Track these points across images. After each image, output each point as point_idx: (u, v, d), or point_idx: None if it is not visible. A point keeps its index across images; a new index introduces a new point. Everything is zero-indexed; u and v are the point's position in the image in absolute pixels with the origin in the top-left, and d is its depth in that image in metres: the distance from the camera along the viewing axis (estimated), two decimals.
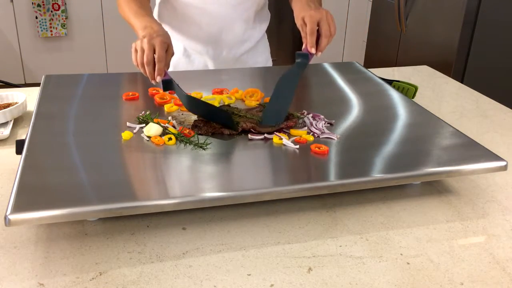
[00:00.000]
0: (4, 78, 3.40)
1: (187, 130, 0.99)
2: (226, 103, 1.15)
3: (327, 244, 0.81)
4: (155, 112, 1.08)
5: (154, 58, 1.03)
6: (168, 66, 1.05)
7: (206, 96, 1.18)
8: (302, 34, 1.11)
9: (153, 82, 1.04)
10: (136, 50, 1.04)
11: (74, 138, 0.96)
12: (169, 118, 1.05)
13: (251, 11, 1.39)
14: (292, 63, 1.15)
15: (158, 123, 0.99)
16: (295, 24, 1.17)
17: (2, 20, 3.63)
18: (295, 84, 1.08)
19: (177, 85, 1.04)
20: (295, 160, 0.93)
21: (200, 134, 0.99)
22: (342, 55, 4.35)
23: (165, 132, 0.98)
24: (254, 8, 1.39)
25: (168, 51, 1.06)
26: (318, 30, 1.09)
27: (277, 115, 1.04)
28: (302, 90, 1.30)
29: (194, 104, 1.05)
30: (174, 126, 1.01)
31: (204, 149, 0.94)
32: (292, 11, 1.22)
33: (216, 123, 1.02)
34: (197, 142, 0.95)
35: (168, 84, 1.05)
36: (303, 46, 1.11)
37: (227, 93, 1.20)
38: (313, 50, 1.09)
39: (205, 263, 0.76)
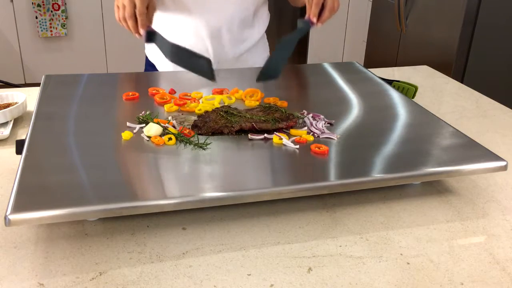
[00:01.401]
0: (4, 78, 3.40)
1: (187, 130, 0.99)
2: (226, 103, 1.15)
3: (327, 244, 0.81)
4: (155, 112, 1.08)
5: (135, 13, 1.09)
6: (150, 21, 1.13)
7: (206, 96, 1.18)
8: (307, 6, 1.16)
9: (136, 35, 1.11)
10: (118, 7, 1.11)
11: (74, 138, 0.96)
12: (169, 118, 1.05)
13: (251, 10, 1.39)
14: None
15: (158, 123, 0.99)
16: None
17: (2, 20, 3.63)
18: (292, 47, 1.15)
19: (160, 35, 1.11)
20: (295, 160, 0.93)
21: (200, 134, 0.99)
22: (342, 55, 4.35)
23: (165, 132, 0.98)
24: (253, 6, 1.39)
25: (150, 6, 1.12)
26: (323, 4, 1.15)
27: (273, 73, 1.14)
28: (302, 90, 1.30)
29: (177, 53, 1.11)
30: (174, 126, 1.01)
31: (204, 149, 0.94)
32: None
33: (195, 72, 1.11)
34: (197, 142, 0.95)
35: (151, 35, 1.12)
36: (306, 16, 1.16)
37: (227, 93, 1.20)
38: (314, 20, 1.14)
39: (205, 263, 0.76)
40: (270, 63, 1.15)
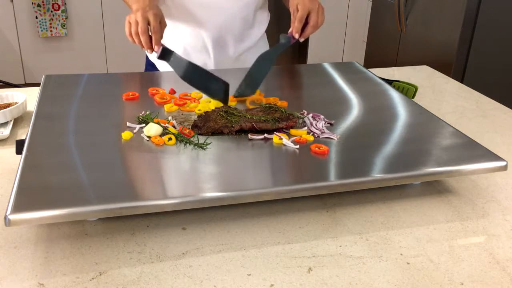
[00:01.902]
0: (4, 78, 3.40)
1: (187, 130, 0.99)
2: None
3: (327, 244, 0.81)
4: (155, 112, 1.08)
5: (148, 30, 1.09)
6: (161, 37, 1.12)
7: (206, 97, 1.18)
8: (292, 19, 1.19)
9: (148, 51, 1.11)
10: (129, 23, 1.11)
11: (74, 138, 0.96)
12: (169, 118, 1.05)
13: (251, 9, 1.39)
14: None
15: (158, 123, 0.99)
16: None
17: (2, 20, 3.63)
18: (272, 62, 1.17)
19: (175, 52, 1.12)
20: (295, 160, 0.93)
21: (200, 134, 0.99)
22: (342, 55, 4.35)
23: (165, 132, 0.98)
24: (253, 6, 1.39)
25: (162, 23, 1.13)
26: (307, 19, 1.17)
27: (250, 88, 1.14)
28: (302, 90, 1.30)
29: (192, 72, 1.11)
30: (174, 126, 1.01)
31: (204, 149, 0.94)
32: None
33: (208, 94, 1.11)
34: (197, 142, 0.95)
35: (166, 52, 1.11)
36: (290, 30, 1.19)
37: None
38: (296, 36, 1.17)
39: (205, 263, 0.76)
40: (248, 78, 1.15)
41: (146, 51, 1.16)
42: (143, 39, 1.10)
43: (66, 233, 0.81)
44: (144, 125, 1.00)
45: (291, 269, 0.76)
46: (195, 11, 1.35)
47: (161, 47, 1.11)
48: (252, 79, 1.15)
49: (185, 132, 0.98)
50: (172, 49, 1.13)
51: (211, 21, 1.36)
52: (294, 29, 1.17)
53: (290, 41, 1.18)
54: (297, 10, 1.17)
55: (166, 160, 0.91)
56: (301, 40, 1.18)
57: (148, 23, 1.09)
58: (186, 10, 1.36)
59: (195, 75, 1.11)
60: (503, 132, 1.25)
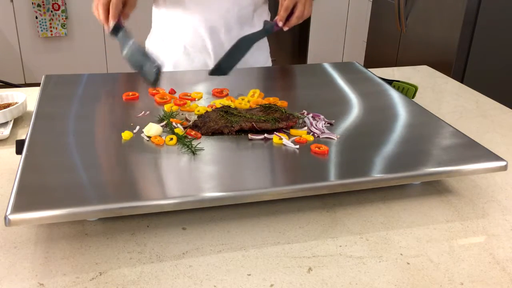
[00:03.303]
0: (4, 78, 3.40)
1: (193, 132, 0.99)
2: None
3: (327, 244, 0.81)
4: (155, 112, 1.07)
5: (108, 4, 1.12)
6: (126, 16, 1.16)
7: (206, 98, 1.18)
8: (279, 8, 1.21)
9: (105, 26, 1.14)
10: None
11: (74, 138, 0.96)
12: (186, 115, 1.06)
13: (249, 7, 1.39)
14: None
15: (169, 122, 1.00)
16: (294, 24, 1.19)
17: (2, 20, 3.63)
18: (250, 45, 1.20)
19: (126, 31, 1.14)
20: (295, 160, 0.93)
21: (201, 134, 0.99)
22: (342, 55, 4.35)
23: (171, 128, 0.98)
24: (252, 5, 1.39)
25: (127, 3, 1.15)
26: (293, 9, 1.19)
27: (225, 68, 1.17)
28: (302, 90, 1.30)
29: (132, 51, 1.12)
30: (185, 127, 1.01)
31: (194, 153, 0.92)
32: None
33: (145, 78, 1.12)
34: (189, 144, 0.94)
35: (117, 29, 1.14)
36: (275, 18, 1.21)
37: (227, 94, 1.20)
38: (280, 24, 1.20)
39: (205, 263, 0.76)
40: (224, 59, 1.18)
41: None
42: (100, 11, 1.13)
43: (66, 233, 0.81)
44: (164, 123, 1.02)
45: (291, 269, 0.76)
46: (192, 8, 1.35)
47: (114, 22, 1.13)
48: (228, 60, 1.18)
49: (191, 133, 0.98)
50: (125, 26, 1.16)
51: (208, 18, 1.36)
52: (279, 17, 1.19)
53: (273, 28, 1.20)
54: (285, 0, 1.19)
55: (166, 160, 0.91)
56: (285, 29, 1.21)
57: None
58: (183, 8, 1.36)
59: (134, 55, 1.13)
60: (503, 132, 1.25)
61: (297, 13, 1.19)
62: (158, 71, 1.10)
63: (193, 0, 1.34)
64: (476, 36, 2.66)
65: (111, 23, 1.13)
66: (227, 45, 1.41)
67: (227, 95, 1.20)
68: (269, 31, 1.21)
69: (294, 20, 1.20)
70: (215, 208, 0.88)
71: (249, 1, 1.38)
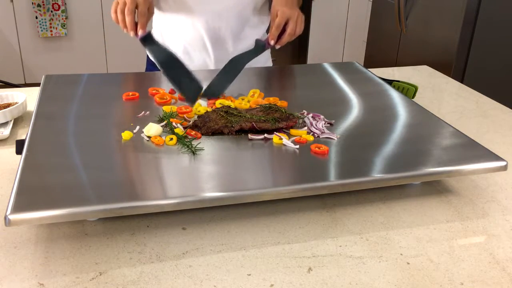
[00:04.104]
0: (4, 78, 3.40)
1: (193, 132, 0.99)
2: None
3: (327, 244, 0.81)
4: (155, 112, 1.07)
5: (134, 12, 1.10)
6: (147, 22, 1.13)
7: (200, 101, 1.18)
8: (271, 25, 1.20)
9: (131, 33, 1.12)
10: (117, 2, 1.12)
11: (74, 138, 0.96)
12: (185, 116, 1.06)
13: (250, 8, 1.39)
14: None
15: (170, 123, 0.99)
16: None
17: (2, 20, 3.63)
18: (242, 66, 1.19)
19: (157, 40, 1.14)
20: (295, 160, 0.93)
21: (201, 134, 0.99)
22: (342, 55, 4.35)
23: (171, 128, 0.98)
24: (253, 5, 1.39)
25: (149, 10, 1.14)
26: (285, 26, 1.18)
27: (218, 90, 1.14)
28: (302, 90, 1.30)
29: (171, 63, 1.12)
30: (186, 127, 1.01)
31: (194, 154, 0.92)
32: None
33: (179, 90, 1.12)
34: (189, 145, 0.94)
35: (148, 38, 1.13)
36: (266, 36, 1.21)
37: (224, 97, 1.19)
38: (272, 42, 1.19)
39: (205, 263, 0.76)
40: (216, 80, 1.16)
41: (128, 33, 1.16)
42: (128, 19, 1.10)
43: (66, 233, 0.81)
44: (164, 123, 1.02)
45: (291, 269, 0.76)
46: (194, 8, 1.35)
47: (146, 32, 1.12)
48: (220, 81, 1.16)
49: (191, 133, 0.98)
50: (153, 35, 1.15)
51: (211, 19, 1.36)
52: (270, 36, 1.18)
53: (265, 47, 1.20)
54: (276, 17, 1.18)
55: (166, 160, 0.91)
56: (277, 47, 1.20)
57: (137, 7, 1.11)
58: (184, 7, 1.36)
59: (174, 68, 1.13)
60: (503, 132, 1.25)
61: (289, 30, 1.18)
62: (199, 90, 1.11)
63: (195, 0, 1.34)
64: (476, 36, 2.66)
65: (141, 33, 1.12)
66: (227, 44, 1.41)
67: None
68: (260, 51, 1.20)
69: (286, 38, 1.18)
70: (215, 208, 0.88)
71: (249, 0, 1.38)
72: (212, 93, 1.14)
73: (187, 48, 1.43)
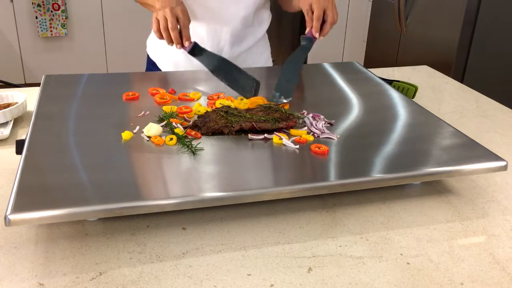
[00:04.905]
0: (4, 78, 3.40)
1: (193, 132, 0.99)
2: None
3: (327, 244, 0.81)
4: (155, 112, 1.07)
5: (177, 26, 1.12)
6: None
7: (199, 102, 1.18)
8: (307, 19, 1.19)
9: (177, 47, 1.14)
10: (157, 19, 1.13)
11: (74, 138, 0.96)
12: (185, 115, 1.06)
13: (251, 8, 1.39)
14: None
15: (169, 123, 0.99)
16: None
17: (2, 20, 3.63)
18: (300, 66, 1.18)
19: (204, 48, 1.16)
20: (295, 160, 0.93)
21: (201, 134, 0.99)
22: (342, 55, 4.35)
23: (171, 128, 0.98)
24: (253, 6, 1.39)
25: (188, 19, 1.16)
26: (323, 16, 1.18)
27: (286, 93, 1.11)
28: (302, 90, 1.30)
29: (223, 67, 1.14)
30: (186, 127, 1.01)
31: (194, 153, 0.92)
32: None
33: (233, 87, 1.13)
34: (190, 144, 0.94)
35: (196, 48, 1.15)
36: (307, 30, 1.19)
37: (223, 98, 1.18)
38: (317, 35, 1.18)
39: (205, 263, 0.76)
40: (280, 85, 1.13)
41: (174, 46, 1.17)
42: (173, 34, 1.12)
43: (66, 233, 0.81)
44: (164, 123, 1.02)
45: (291, 269, 0.76)
46: (196, 9, 1.35)
47: (193, 43, 1.14)
48: (286, 85, 1.13)
49: (191, 133, 0.98)
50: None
51: (211, 19, 1.36)
52: (314, 29, 1.17)
53: (312, 41, 1.18)
54: (311, 10, 1.17)
55: (166, 160, 0.91)
56: (321, 39, 1.19)
57: (177, 20, 1.12)
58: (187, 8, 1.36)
59: (226, 70, 1.14)
60: (503, 132, 1.25)
61: (329, 19, 1.17)
62: (258, 86, 1.11)
63: (196, 1, 1.34)
64: (476, 36, 2.66)
65: (187, 44, 1.14)
66: (228, 44, 1.41)
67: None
68: (310, 46, 1.18)
69: (328, 27, 1.18)
70: (215, 208, 0.88)
71: (251, 2, 1.38)
72: (281, 97, 1.10)
73: None
